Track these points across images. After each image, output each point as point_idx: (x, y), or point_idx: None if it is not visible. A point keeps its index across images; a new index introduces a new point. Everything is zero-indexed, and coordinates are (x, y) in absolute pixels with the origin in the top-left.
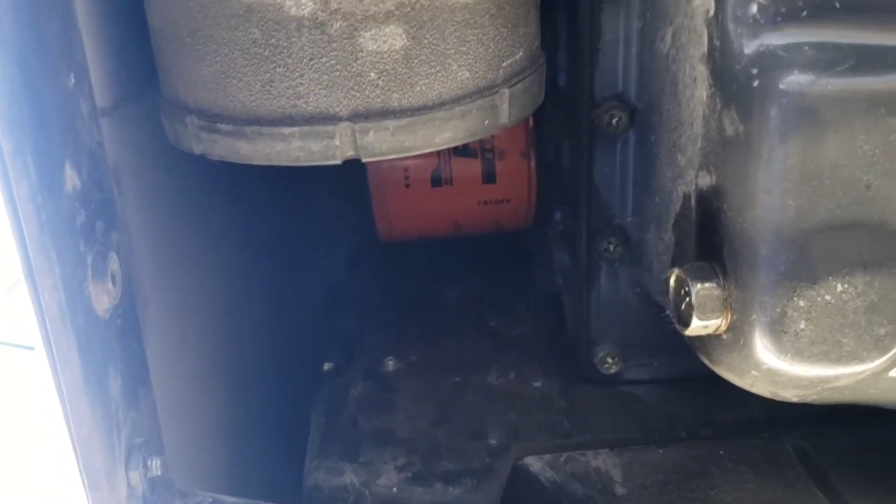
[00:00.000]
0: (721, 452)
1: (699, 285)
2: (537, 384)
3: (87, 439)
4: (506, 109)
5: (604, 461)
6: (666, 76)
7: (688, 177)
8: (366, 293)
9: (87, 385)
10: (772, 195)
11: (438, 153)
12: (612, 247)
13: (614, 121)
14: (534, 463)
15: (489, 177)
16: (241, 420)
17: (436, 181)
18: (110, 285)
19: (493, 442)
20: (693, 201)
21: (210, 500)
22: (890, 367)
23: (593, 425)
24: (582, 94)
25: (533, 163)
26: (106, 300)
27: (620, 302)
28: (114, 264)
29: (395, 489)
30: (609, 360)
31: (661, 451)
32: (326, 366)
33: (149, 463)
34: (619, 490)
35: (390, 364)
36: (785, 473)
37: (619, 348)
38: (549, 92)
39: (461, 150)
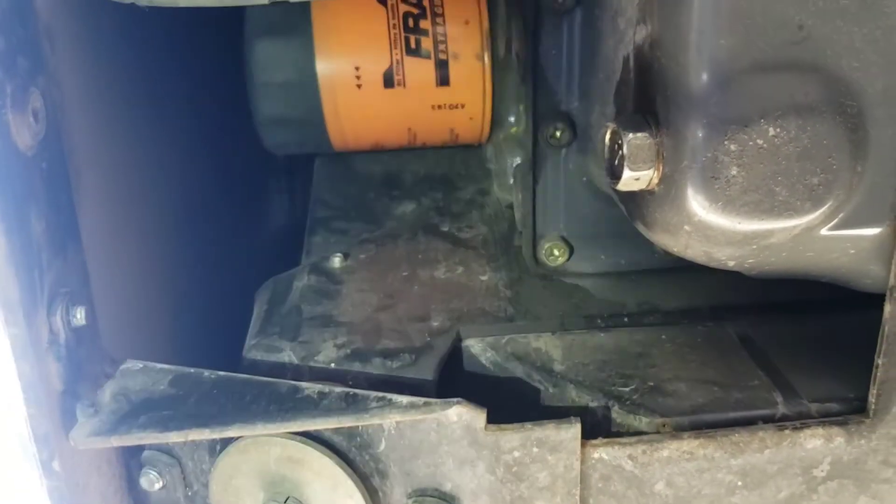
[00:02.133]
0: (663, 337)
1: (631, 135)
2: (484, 278)
3: (3, 270)
4: None
5: (545, 343)
6: None
7: (627, 37)
8: (320, 204)
9: (4, 213)
10: (703, 35)
11: (391, 52)
12: (559, 133)
13: None
14: (474, 344)
15: (443, 79)
16: (182, 299)
17: (388, 82)
18: (31, 119)
19: (436, 324)
20: (631, 61)
21: (141, 365)
22: (823, 224)
23: (537, 312)
24: None
25: (488, 66)
26: (27, 135)
27: (567, 193)
28: (36, 101)
29: (332, 365)
30: (555, 252)
31: (602, 335)
32: None
33: (73, 311)
34: (558, 367)
35: (337, 261)
36: (727, 356)
37: (565, 240)
38: None
39: (414, 50)
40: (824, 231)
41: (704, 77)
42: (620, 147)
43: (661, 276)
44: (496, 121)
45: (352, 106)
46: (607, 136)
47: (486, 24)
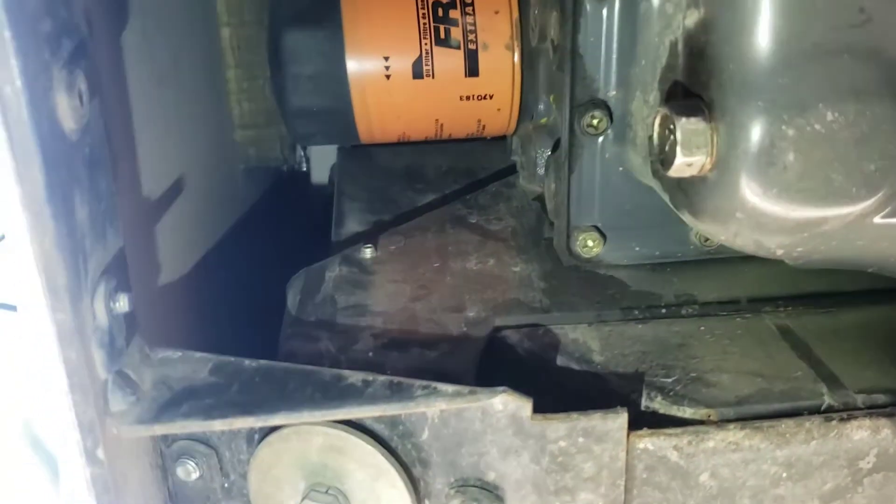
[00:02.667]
0: (702, 328)
1: (684, 119)
2: (516, 269)
3: (50, 255)
4: None
5: (582, 334)
6: None
7: (675, 23)
8: (346, 197)
9: (51, 196)
10: (761, 18)
11: (420, 42)
12: (596, 121)
13: None
14: (511, 335)
15: (472, 70)
16: (217, 295)
17: (417, 73)
18: (77, 102)
19: (472, 314)
20: (680, 46)
21: (180, 353)
22: (876, 212)
23: (572, 304)
24: None
25: (517, 56)
26: (72, 118)
27: (603, 183)
28: (81, 83)
29: (370, 354)
30: (589, 242)
31: (640, 326)
32: None
33: (115, 297)
34: (598, 358)
35: (368, 252)
36: (767, 346)
37: (599, 231)
38: None
39: (443, 40)
40: (877, 219)
41: (762, 61)
42: (672, 132)
43: (697, 267)
44: (523, 111)
45: (380, 97)
46: (657, 122)
47: (515, 13)
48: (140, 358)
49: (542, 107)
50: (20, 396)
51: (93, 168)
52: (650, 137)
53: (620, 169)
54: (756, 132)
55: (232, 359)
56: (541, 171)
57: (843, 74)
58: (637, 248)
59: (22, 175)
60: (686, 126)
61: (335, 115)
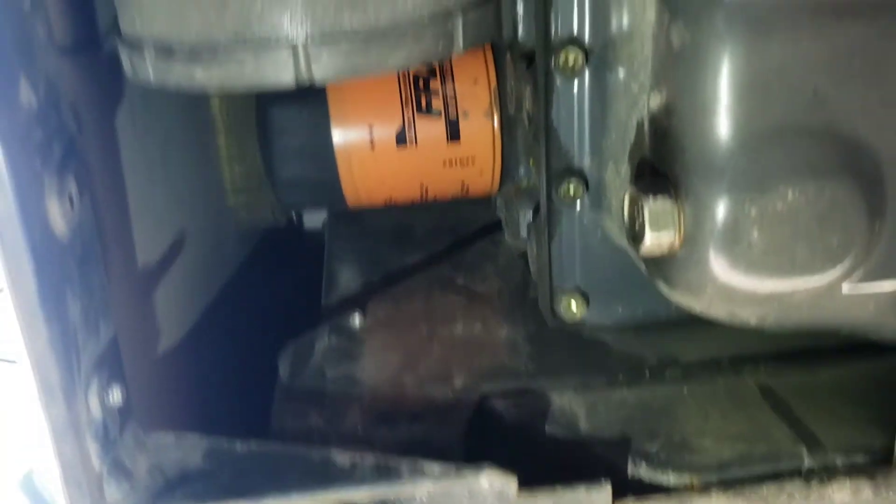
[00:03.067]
0: (685, 391)
1: (651, 200)
2: (502, 333)
3: (44, 356)
4: (460, 35)
5: (568, 401)
6: (616, 9)
7: (640, 103)
8: (335, 259)
9: (43, 300)
10: (720, 103)
11: (403, 112)
12: (572, 189)
13: (570, 62)
14: (498, 403)
15: (453, 136)
16: (209, 367)
17: (400, 140)
18: (68, 206)
19: (458, 384)
20: (646, 125)
21: (173, 437)
22: (843, 280)
23: (558, 368)
24: (538, 36)
25: (497, 121)
26: (63, 222)
27: (583, 247)
28: (72, 187)
29: (360, 429)
30: (573, 305)
31: (624, 390)
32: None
33: (109, 390)
34: (583, 425)
35: (356, 320)
36: (748, 407)
37: (582, 294)
38: (509, 45)
39: (425, 109)
40: (844, 287)
41: (722, 144)
42: (641, 212)
43: (679, 327)
44: (506, 174)
45: (366, 165)
46: (626, 201)
47: (493, 82)
48: (134, 444)
49: (522, 170)
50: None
51: (84, 265)
52: (621, 216)
53: (599, 233)
54: (720, 212)
55: (224, 442)
56: (523, 232)
57: (801, 154)
58: (620, 310)
59: (14, 281)
60: (653, 206)
61: (322, 184)
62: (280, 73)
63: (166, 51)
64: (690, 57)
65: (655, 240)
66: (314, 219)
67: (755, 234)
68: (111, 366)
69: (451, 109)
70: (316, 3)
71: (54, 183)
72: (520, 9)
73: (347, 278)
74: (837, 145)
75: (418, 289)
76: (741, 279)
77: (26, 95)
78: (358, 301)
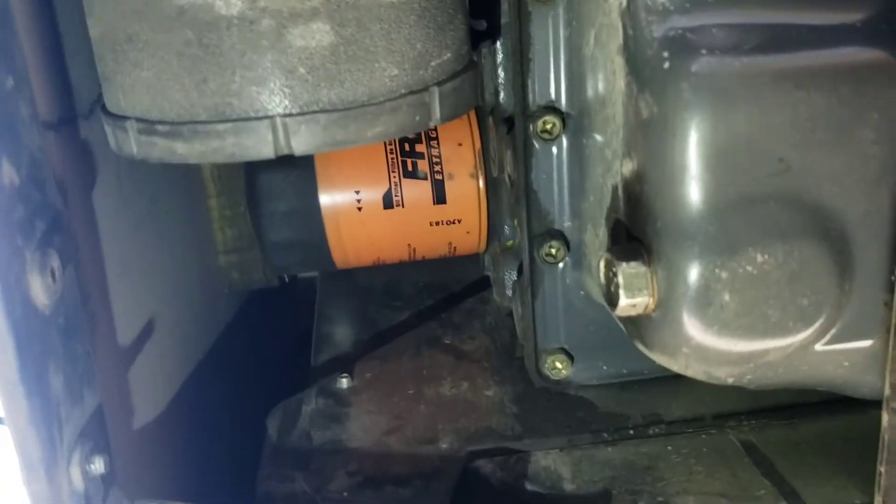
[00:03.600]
0: (669, 448)
1: (625, 264)
2: (489, 393)
3: (24, 431)
4: (436, 107)
5: (553, 460)
6: (591, 77)
7: (614, 168)
8: (325, 319)
9: (24, 376)
10: (688, 172)
11: (389, 176)
12: (553, 251)
13: (548, 127)
14: (484, 465)
15: (440, 198)
16: (194, 432)
17: (387, 203)
18: (50, 280)
19: (445, 446)
20: (620, 191)
21: None
22: (816, 340)
23: (544, 429)
24: (516, 104)
25: (482, 183)
26: (45, 295)
27: (566, 307)
28: (54, 262)
29: (345, 493)
30: (558, 364)
31: (609, 449)
32: None
33: (92, 460)
34: (569, 486)
35: (344, 381)
36: (732, 464)
37: (566, 353)
38: (491, 110)
39: (411, 172)
40: (818, 347)
41: (691, 210)
42: (615, 275)
43: (663, 384)
44: (492, 233)
45: (353, 228)
46: (602, 265)
47: (478, 144)
48: None
49: (507, 230)
50: None
51: (68, 335)
52: (598, 279)
53: (581, 293)
54: (691, 275)
55: None
56: (509, 292)
57: (769, 219)
58: (604, 368)
59: None
60: (627, 270)
61: (311, 247)
62: (259, 146)
63: (149, 127)
64: (658, 126)
65: (630, 303)
66: (307, 274)
67: (726, 296)
68: (95, 436)
69: (437, 172)
70: (294, 80)
71: (36, 258)
72: (500, 75)
73: (337, 338)
74: (804, 210)
75: (406, 348)
76: (715, 340)
77: (8, 174)
78: (346, 361)
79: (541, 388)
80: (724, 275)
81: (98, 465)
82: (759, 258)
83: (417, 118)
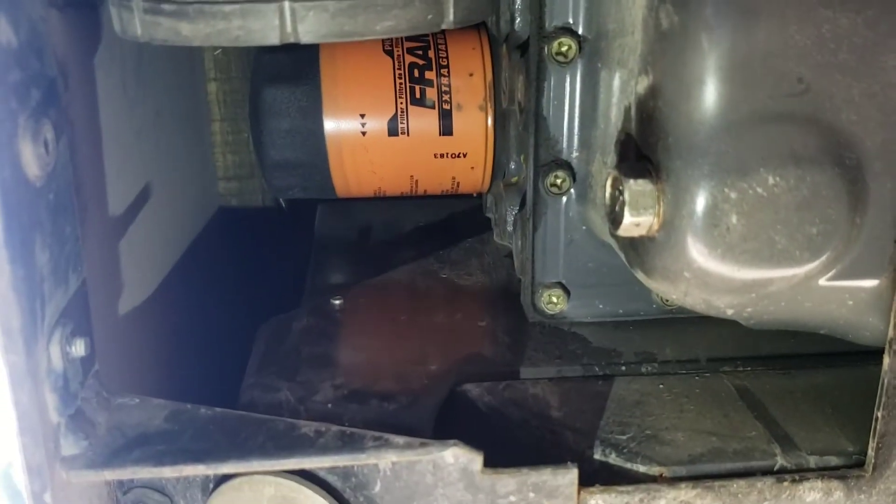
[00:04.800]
0: (661, 386)
1: (632, 181)
2: (483, 323)
3: (5, 296)
4: (450, 7)
5: (542, 389)
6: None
7: (629, 88)
8: (323, 248)
9: (9, 240)
10: (704, 85)
11: (396, 102)
12: (559, 181)
13: (563, 50)
14: (472, 389)
15: (446, 129)
16: (180, 338)
17: (392, 130)
18: (42, 150)
19: (434, 368)
20: (633, 111)
21: (137, 400)
22: (822, 274)
23: (535, 359)
24: (532, 24)
25: (491, 117)
26: (36, 165)
27: (567, 241)
28: (47, 132)
29: (329, 405)
30: (553, 299)
31: (600, 382)
32: None
33: (72, 341)
34: (556, 414)
35: (337, 303)
36: (724, 406)
37: (563, 288)
38: (506, 37)
39: (418, 100)
40: (823, 281)
41: (705, 126)
42: (621, 193)
43: (659, 326)
44: (496, 170)
45: (356, 154)
46: (608, 183)
47: (489, 76)
48: (97, 402)
49: (513, 166)
50: None
51: (57, 213)
52: (602, 198)
53: (584, 228)
54: (699, 195)
55: (188, 406)
56: (510, 227)
57: (784, 141)
58: (600, 306)
59: None
60: (633, 187)
61: (311, 170)
62: (266, 30)
63: (154, 6)
64: (677, 39)
65: (634, 221)
66: (307, 214)
67: (734, 218)
68: (77, 318)
69: (445, 101)
70: None
71: (30, 126)
72: (517, 1)
73: (333, 265)
74: (820, 134)
75: (402, 279)
76: (718, 265)
77: (5, 34)
78: (341, 286)
79: (534, 321)
80: (732, 195)
81: (78, 348)
82: (771, 180)
83: (430, 16)
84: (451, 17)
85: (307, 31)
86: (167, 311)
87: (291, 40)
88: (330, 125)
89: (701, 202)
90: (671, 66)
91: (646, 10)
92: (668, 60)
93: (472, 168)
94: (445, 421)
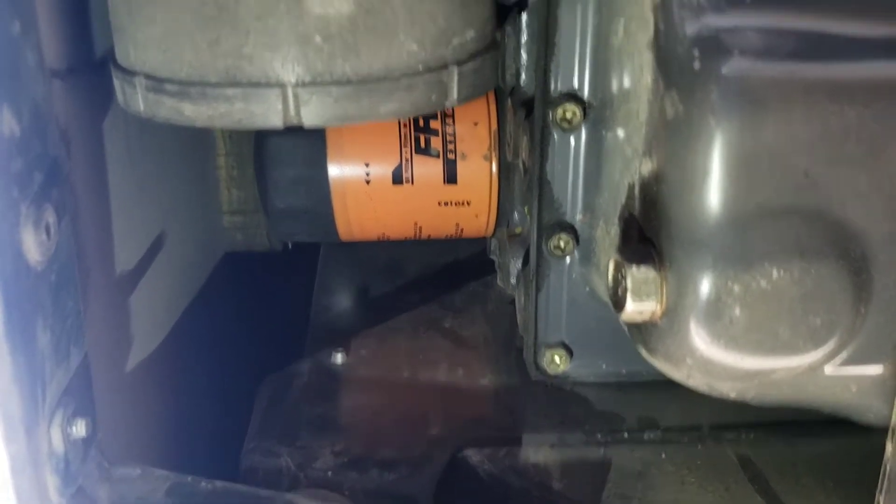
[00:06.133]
0: (663, 456)
1: (635, 268)
2: (485, 382)
3: (7, 390)
4: (454, 88)
5: (544, 457)
6: (618, 69)
7: (633, 167)
8: (325, 291)
9: (9, 332)
10: (709, 178)
11: (401, 150)
12: (562, 243)
13: (568, 116)
14: (473, 455)
15: (451, 177)
16: (183, 398)
17: (397, 178)
18: (44, 236)
19: (434, 432)
20: (637, 190)
21: (139, 471)
22: (825, 362)
23: (536, 424)
24: (537, 89)
25: (495, 166)
26: (38, 251)
27: (570, 301)
28: (49, 216)
29: (329, 473)
30: (556, 359)
31: (602, 450)
32: None
33: (73, 422)
34: (556, 485)
35: (339, 357)
36: (726, 478)
37: (566, 348)
38: (511, 91)
39: (423, 149)
40: (827, 369)
41: (709, 218)
42: (624, 278)
43: (662, 388)
44: (501, 217)
45: (360, 201)
46: (611, 266)
47: (494, 125)
48: (98, 474)
49: (517, 216)
50: None
51: (59, 291)
52: (606, 280)
53: (587, 289)
54: (703, 286)
55: (189, 479)
56: (513, 280)
57: (789, 234)
58: (603, 366)
59: None
60: (636, 274)
61: (316, 217)
62: (269, 114)
63: (157, 85)
64: (682, 128)
65: (637, 308)
66: (311, 248)
67: (737, 310)
68: (79, 396)
69: (450, 150)
70: (308, 48)
71: (31, 213)
72: (523, 57)
73: (334, 311)
74: (826, 227)
75: (404, 328)
76: (721, 354)
77: (8, 124)
78: (343, 335)
79: (537, 381)
80: (736, 288)
81: (80, 428)
82: (775, 273)
83: (434, 97)
84: (455, 96)
85: (311, 116)
86: (171, 368)
87: (294, 124)
88: (335, 174)
89: (704, 294)
90: (676, 155)
91: (651, 94)
92: (672, 149)
93: (476, 216)
94: (446, 488)
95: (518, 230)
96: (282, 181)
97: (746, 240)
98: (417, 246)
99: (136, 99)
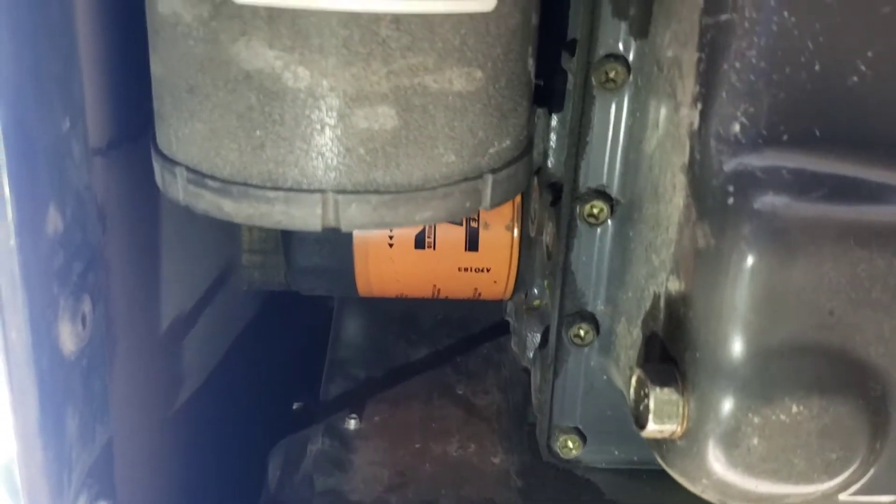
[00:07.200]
0: None
1: (658, 390)
2: (496, 460)
3: (35, 480)
4: (488, 194)
5: None
6: (649, 177)
7: (659, 278)
8: (340, 343)
9: (43, 427)
10: (736, 311)
11: None
12: (582, 333)
13: (595, 212)
14: None
15: (472, 244)
16: (200, 463)
17: (419, 243)
18: (80, 328)
19: None
20: (662, 303)
21: None
22: (839, 492)
23: None
24: (566, 183)
25: (517, 236)
26: (73, 343)
27: (586, 389)
28: (86, 306)
29: None
30: (569, 444)
31: None
32: (296, 405)
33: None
34: None
35: (352, 423)
36: None
37: (580, 434)
38: (537, 170)
39: None
40: (841, 497)
41: (734, 350)
42: (646, 396)
43: (672, 478)
44: (519, 284)
45: (382, 262)
46: (633, 382)
47: (518, 198)
48: None
49: (536, 289)
50: None
51: (89, 374)
52: (628, 396)
53: (605, 377)
54: (724, 414)
55: None
56: (530, 354)
57: (810, 370)
58: (616, 452)
59: (16, 407)
60: (659, 396)
61: (337, 275)
62: (308, 217)
63: (199, 179)
64: (713, 260)
65: (658, 429)
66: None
67: (755, 440)
68: (102, 478)
69: (473, 219)
70: (351, 159)
71: (69, 305)
72: (552, 139)
73: (349, 367)
74: (846, 366)
75: (418, 392)
76: (737, 478)
77: (53, 223)
78: (357, 397)
79: (548, 462)
80: (756, 419)
81: None
82: (794, 408)
83: (468, 204)
84: (489, 201)
85: (349, 221)
86: (187, 433)
87: (333, 227)
88: (359, 237)
89: (724, 422)
90: (704, 284)
91: (682, 217)
92: (700, 277)
93: (495, 282)
94: None
95: (537, 303)
96: (307, 239)
97: (769, 373)
98: (433, 301)
99: (176, 188)
